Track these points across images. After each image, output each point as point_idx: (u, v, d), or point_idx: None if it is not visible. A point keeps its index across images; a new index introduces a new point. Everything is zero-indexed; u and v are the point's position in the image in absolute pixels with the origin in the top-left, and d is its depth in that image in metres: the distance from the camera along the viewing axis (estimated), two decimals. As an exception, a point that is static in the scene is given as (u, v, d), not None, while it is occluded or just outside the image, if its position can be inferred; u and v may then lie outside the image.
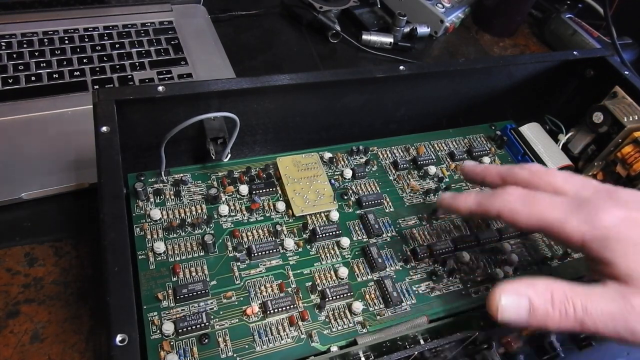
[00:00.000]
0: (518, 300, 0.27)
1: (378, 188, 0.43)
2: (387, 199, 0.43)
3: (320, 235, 0.38)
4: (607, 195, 0.30)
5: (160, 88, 0.37)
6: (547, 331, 0.28)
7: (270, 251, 0.37)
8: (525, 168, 0.34)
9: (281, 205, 0.40)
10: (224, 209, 0.38)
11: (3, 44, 0.55)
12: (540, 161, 0.46)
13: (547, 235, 0.31)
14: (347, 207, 0.42)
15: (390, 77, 0.44)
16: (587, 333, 0.28)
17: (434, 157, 0.46)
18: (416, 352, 0.29)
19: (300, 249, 0.38)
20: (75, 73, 0.54)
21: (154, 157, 0.38)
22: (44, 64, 0.54)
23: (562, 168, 0.46)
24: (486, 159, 0.47)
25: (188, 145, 0.42)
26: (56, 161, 0.46)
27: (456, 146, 0.49)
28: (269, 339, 0.33)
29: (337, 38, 0.70)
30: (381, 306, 0.36)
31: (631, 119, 0.45)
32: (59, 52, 0.56)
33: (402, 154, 0.47)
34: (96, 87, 0.53)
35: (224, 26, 0.67)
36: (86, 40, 0.58)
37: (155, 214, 0.37)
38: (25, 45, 0.56)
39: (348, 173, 0.43)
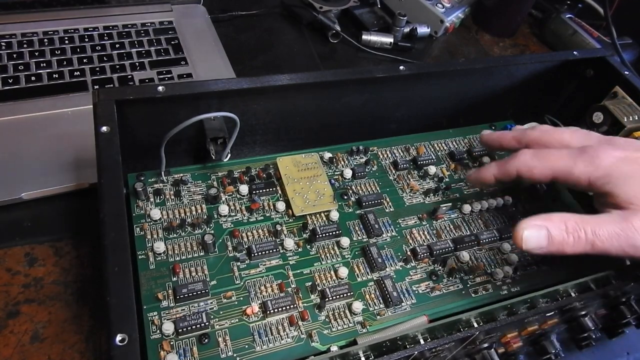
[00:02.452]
0: (538, 231, 0.32)
1: (378, 188, 0.43)
2: (387, 199, 0.43)
3: (320, 235, 0.38)
4: (606, 142, 0.35)
5: (160, 88, 0.37)
6: (565, 255, 0.33)
7: (270, 251, 0.37)
8: (536, 128, 0.39)
9: (281, 205, 0.40)
10: (224, 209, 0.38)
11: (3, 44, 0.55)
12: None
13: (560, 182, 0.36)
14: (347, 207, 0.42)
15: (390, 77, 0.44)
16: (598, 253, 0.32)
17: (434, 157, 0.46)
18: (416, 352, 0.29)
19: (300, 249, 0.38)
20: (75, 73, 0.54)
21: (154, 157, 0.38)
22: (44, 64, 0.54)
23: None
24: (486, 159, 0.47)
25: (188, 145, 0.42)
26: (56, 161, 0.46)
27: (456, 146, 0.49)
28: (269, 339, 0.33)
29: (337, 38, 0.70)
30: (381, 306, 0.36)
31: (631, 119, 0.45)
32: (59, 52, 0.56)
33: (402, 154, 0.47)
34: (96, 87, 0.53)
35: (224, 26, 0.67)
36: (86, 40, 0.58)
37: (155, 214, 0.37)
38: (25, 45, 0.56)
39: (348, 173, 0.43)
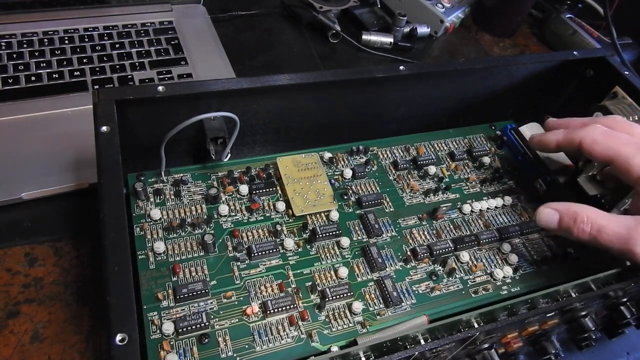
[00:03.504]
0: (553, 214, 0.37)
1: (378, 188, 0.43)
2: (387, 199, 0.43)
3: (320, 235, 0.38)
4: None
5: (160, 88, 0.37)
6: (570, 239, 0.37)
7: (270, 251, 0.37)
8: (609, 118, 0.41)
9: (281, 205, 0.40)
10: (224, 209, 0.38)
11: (3, 44, 0.55)
12: (539, 162, 0.46)
13: (614, 167, 0.37)
14: (347, 207, 0.42)
15: (390, 77, 0.44)
16: (598, 246, 0.35)
17: (434, 157, 0.46)
18: (416, 352, 0.29)
19: (300, 249, 0.38)
20: (75, 73, 0.54)
21: (154, 157, 0.38)
22: (44, 64, 0.54)
23: (561, 169, 0.46)
24: (486, 159, 0.47)
25: (188, 145, 0.42)
26: (56, 161, 0.46)
27: (456, 146, 0.49)
28: (269, 338, 0.33)
29: (337, 38, 0.70)
30: (381, 306, 0.36)
31: (631, 119, 0.45)
32: (59, 52, 0.56)
33: (402, 154, 0.47)
34: (96, 87, 0.53)
35: (224, 26, 0.67)
36: (86, 40, 0.58)
37: (155, 214, 0.37)
38: (25, 45, 0.56)
39: (348, 173, 0.43)
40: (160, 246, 0.35)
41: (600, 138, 0.37)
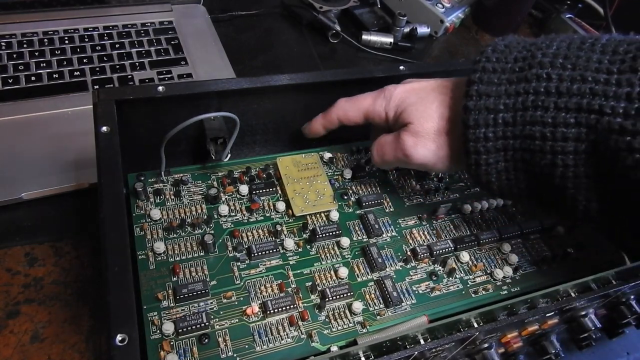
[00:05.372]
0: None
1: (378, 188, 0.43)
2: (387, 199, 0.43)
3: (320, 235, 0.38)
4: (401, 83, 0.40)
5: (160, 88, 0.37)
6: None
7: (270, 251, 0.37)
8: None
9: (281, 205, 0.40)
10: (224, 209, 0.38)
11: (3, 44, 0.55)
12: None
13: (370, 120, 0.41)
14: (347, 207, 0.42)
15: (390, 77, 0.44)
16: (386, 164, 0.39)
17: (434, 157, 0.46)
18: (416, 352, 0.29)
19: (300, 249, 0.38)
20: (75, 73, 0.54)
21: (154, 157, 0.38)
22: (44, 64, 0.54)
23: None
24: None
25: (188, 145, 0.42)
26: (56, 161, 0.46)
27: (456, 146, 0.49)
28: (269, 339, 0.33)
29: (337, 38, 0.70)
30: (381, 306, 0.36)
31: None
32: (59, 52, 0.56)
33: (402, 154, 0.47)
34: (96, 87, 0.53)
35: (224, 26, 0.67)
36: (86, 40, 0.58)
37: (155, 214, 0.37)
38: (25, 45, 0.56)
39: (348, 173, 0.43)
40: (160, 246, 0.35)
41: (347, 106, 0.40)
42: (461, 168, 0.38)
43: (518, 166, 0.33)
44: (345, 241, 0.39)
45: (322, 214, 0.40)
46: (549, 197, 0.34)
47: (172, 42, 0.60)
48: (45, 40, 0.57)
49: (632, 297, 0.38)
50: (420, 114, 0.36)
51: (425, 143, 0.36)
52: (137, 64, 0.57)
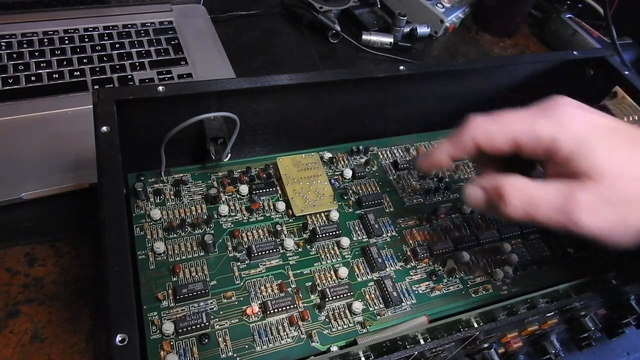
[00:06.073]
0: (478, 191, 0.31)
1: (378, 188, 0.43)
2: (387, 199, 0.43)
3: (320, 235, 0.38)
4: (569, 102, 0.32)
5: (160, 88, 0.37)
6: (505, 220, 0.32)
7: (270, 251, 0.37)
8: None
9: (281, 205, 0.40)
10: (224, 209, 0.38)
11: (3, 44, 0.55)
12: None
13: (525, 152, 0.31)
14: (347, 207, 0.42)
15: (390, 77, 0.44)
16: (533, 223, 0.29)
17: (434, 157, 0.46)
18: (416, 352, 0.29)
19: (300, 249, 0.38)
20: (75, 73, 0.54)
21: (154, 157, 0.38)
22: (44, 64, 0.54)
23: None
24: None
25: (188, 145, 0.42)
26: (56, 161, 0.46)
27: (456, 146, 0.49)
28: (269, 339, 0.33)
29: (337, 38, 0.70)
30: (381, 306, 0.36)
31: (631, 119, 0.45)
32: (59, 52, 0.56)
33: (402, 154, 0.47)
34: (96, 87, 0.53)
35: (224, 26, 0.67)
36: (86, 40, 0.58)
37: (155, 214, 0.37)
38: (25, 45, 0.56)
39: (348, 173, 0.43)
40: (160, 246, 0.35)
41: (491, 126, 0.31)
42: None
43: None
44: (345, 241, 0.39)
45: (322, 214, 0.40)
46: None
47: (172, 42, 0.60)
48: (45, 40, 0.57)
49: (632, 297, 0.38)
50: (622, 170, 0.27)
51: (608, 209, 0.27)
52: (137, 64, 0.57)
